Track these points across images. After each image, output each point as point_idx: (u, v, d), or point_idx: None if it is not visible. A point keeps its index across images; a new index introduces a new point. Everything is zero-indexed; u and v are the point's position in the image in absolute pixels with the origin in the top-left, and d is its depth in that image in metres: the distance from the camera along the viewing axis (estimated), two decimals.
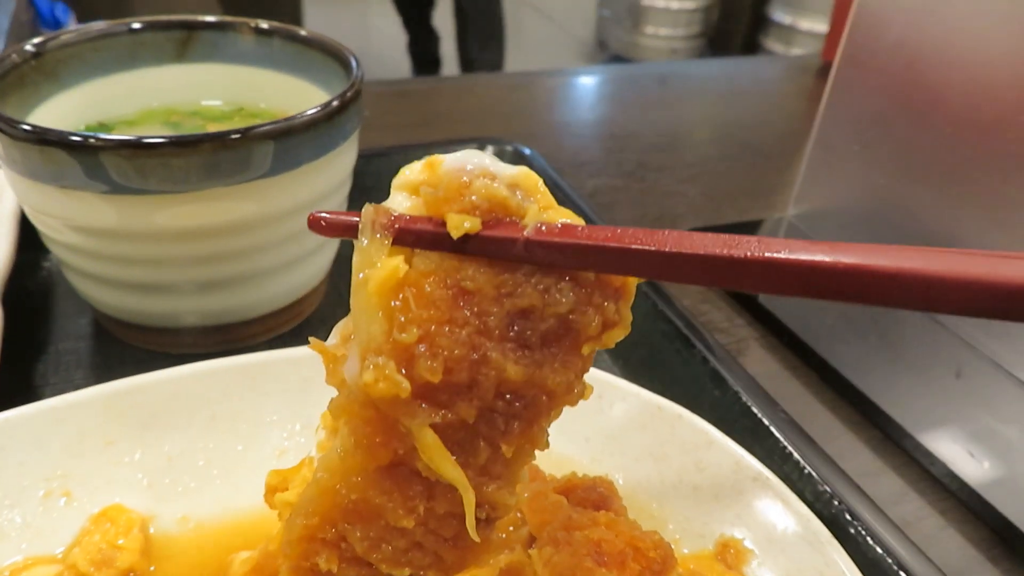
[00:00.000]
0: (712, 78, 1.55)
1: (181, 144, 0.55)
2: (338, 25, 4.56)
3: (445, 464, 0.33)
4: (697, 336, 0.68)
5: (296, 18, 2.61)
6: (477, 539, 0.36)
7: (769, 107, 1.42)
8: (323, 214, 0.35)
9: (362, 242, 0.33)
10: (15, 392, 0.62)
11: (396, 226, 0.33)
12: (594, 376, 0.59)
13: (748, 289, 0.30)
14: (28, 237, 0.72)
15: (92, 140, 0.54)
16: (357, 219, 0.34)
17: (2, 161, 0.59)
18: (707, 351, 0.67)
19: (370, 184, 0.91)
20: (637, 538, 0.44)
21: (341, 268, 0.77)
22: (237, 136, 0.56)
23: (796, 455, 0.57)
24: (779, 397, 0.64)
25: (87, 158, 0.55)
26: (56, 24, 1.71)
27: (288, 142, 0.59)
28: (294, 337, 0.71)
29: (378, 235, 0.33)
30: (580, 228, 0.33)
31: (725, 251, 0.29)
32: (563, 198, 0.88)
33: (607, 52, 4.78)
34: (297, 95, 0.74)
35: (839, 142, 0.91)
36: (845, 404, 0.73)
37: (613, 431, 0.57)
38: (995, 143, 0.75)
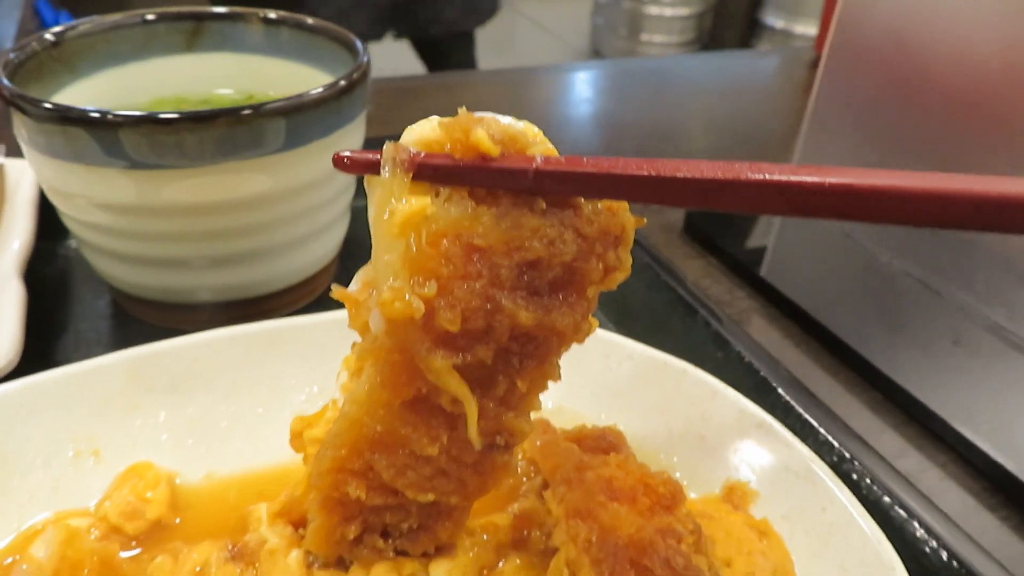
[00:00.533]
0: (708, 72, 1.58)
1: (195, 120, 0.57)
2: None
3: (451, 382, 0.35)
4: (699, 303, 0.70)
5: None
6: (478, 445, 0.37)
7: (764, 100, 1.44)
8: (346, 153, 0.37)
9: (384, 174, 0.35)
10: (39, 368, 0.63)
11: (416, 161, 0.35)
12: (600, 336, 0.61)
13: (741, 209, 0.32)
14: (46, 225, 0.74)
15: (111, 117, 0.57)
16: (379, 157, 0.36)
17: (24, 143, 0.62)
18: (710, 316, 0.69)
19: None
20: (647, 475, 0.46)
21: (351, 249, 0.79)
22: (249, 112, 0.59)
23: (799, 408, 0.59)
24: (783, 360, 0.65)
25: (106, 134, 0.57)
26: None
27: (299, 119, 0.61)
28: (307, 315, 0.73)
29: (399, 169, 0.35)
30: (584, 159, 0.35)
31: (719, 174, 0.31)
32: None
33: (602, 60, 4.82)
34: (306, 82, 0.76)
35: (832, 124, 0.93)
36: (845, 368, 0.75)
37: (620, 388, 0.59)
38: (981, 120, 0.77)
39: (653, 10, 4.44)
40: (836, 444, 0.55)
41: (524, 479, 0.54)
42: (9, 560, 0.45)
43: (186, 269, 0.65)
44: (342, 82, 0.64)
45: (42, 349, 0.66)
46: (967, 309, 0.80)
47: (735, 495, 0.51)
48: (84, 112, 0.57)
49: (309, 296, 0.74)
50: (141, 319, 0.70)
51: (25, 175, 0.77)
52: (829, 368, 0.75)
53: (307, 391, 0.59)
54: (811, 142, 0.95)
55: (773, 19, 4.18)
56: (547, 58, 5.15)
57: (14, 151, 0.85)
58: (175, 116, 0.57)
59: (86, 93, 0.72)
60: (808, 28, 3.97)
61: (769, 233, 0.94)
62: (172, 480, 0.51)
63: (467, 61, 2.46)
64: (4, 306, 0.61)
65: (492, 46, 4.92)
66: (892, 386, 0.72)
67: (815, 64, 1.53)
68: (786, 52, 2.14)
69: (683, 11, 4.46)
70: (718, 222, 0.94)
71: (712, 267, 0.89)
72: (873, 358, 0.74)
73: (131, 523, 0.48)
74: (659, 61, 2.36)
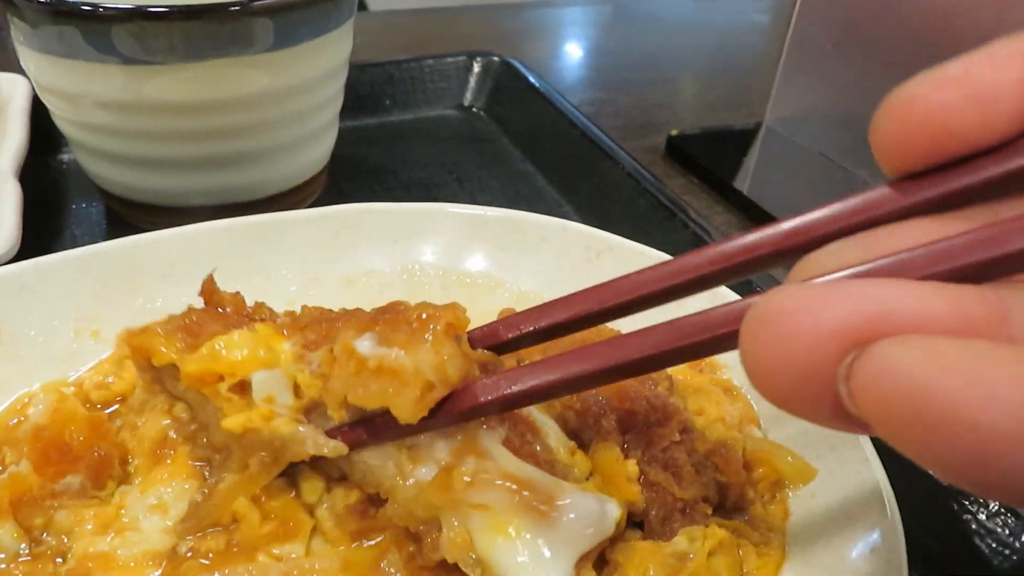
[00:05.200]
0: (689, 6, 1.59)
1: (185, 15, 0.59)
2: None
3: None
4: (679, 209, 0.73)
5: None
6: None
7: (746, 23, 1.46)
8: None
9: None
10: None
11: None
12: (580, 229, 0.63)
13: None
14: (40, 138, 0.75)
15: (101, 10, 0.58)
16: None
17: (19, 44, 0.63)
18: (688, 220, 0.71)
19: (364, 93, 0.95)
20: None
21: (339, 163, 0.81)
22: (236, 8, 0.60)
23: None
24: None
25: (97, 28, 0.58)
26: None
27: (286, 17, 0.63)
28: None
29: None
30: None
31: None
32: (551, 103, 0.91)
33: None
34: None
35: (812, 44, 0.94)
36: None
37: (599, 278, 0.61)
38: (960, 35, 0.79)
39: None
40: None
41: None
42: (14, 421, 0.47)
43: (178, 170, 0.67)
44: None
45: (38, 248, 0.68)
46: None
47: (702, 363, 0.54)
48: (76, 6, 0.58)
49: (299, 204, 0.76)
50: (135, 224, 0.72)
51: (18, 88, 0.78)
52: None
53: (298, 281, 0.61)
54: (792, 64, 0.97)
55: None
56: None
57: (6, 66, 0.86)
58: (164, 10, 0.58)
59: None
60: None
61: (749, 155, 0.96)
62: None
63: None
64: (2, 202, 0.62)
65: None
66: None
67: None
68: None
69: None
70: (700, 145, 0.96)
71: (693, 185, 0.91)
72: None
73: (98, 392, 0.50)
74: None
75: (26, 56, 0.64)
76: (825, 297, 0.21)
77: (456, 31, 1.34)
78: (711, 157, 0.93)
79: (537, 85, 0.95)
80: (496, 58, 1.00)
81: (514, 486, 0.36)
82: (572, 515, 0.36)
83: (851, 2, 0.88)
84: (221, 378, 0.39)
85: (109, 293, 0.55)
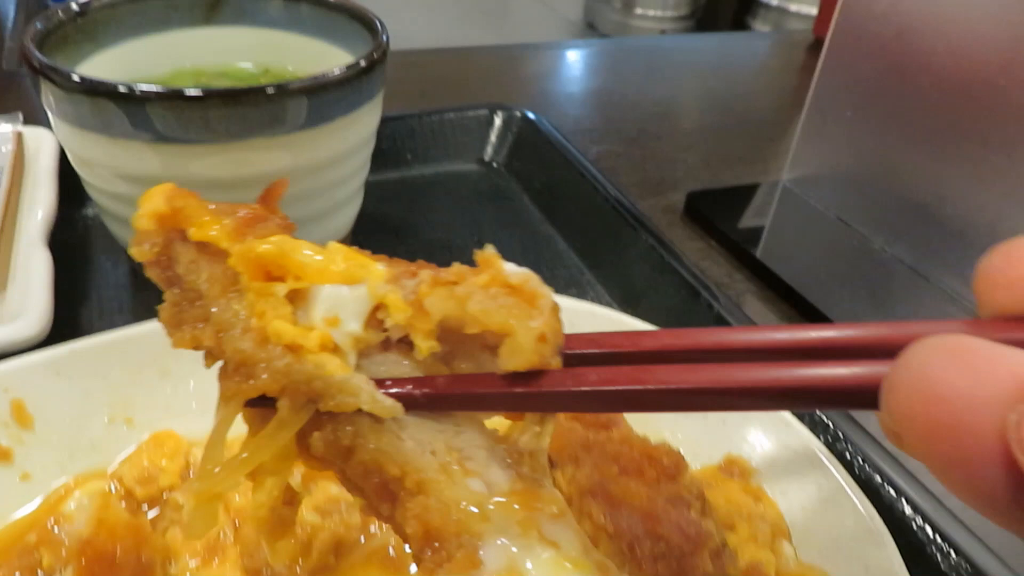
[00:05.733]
0: (704, 51, 1.60)
1: (221, 97, 0.59)
2: None
3: None
4: (701, 285, 0.73)
5: None
6: None
7: (761, 80, 1.47)
8: None
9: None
10: (66, 336, 0.65)
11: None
12: (601, 314, 0.63)
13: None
14: (66, 191, 0.75)
15: (139, 92, 0.58)
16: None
17: (52, 112, 0.63)
18: (711, 298, 0.72)
19: (386, 147, 0.95)
20: (649, 447, 0.48)
21: (362, 219, 0.81)
22: (273, 91, 0.60)
23: None
24: None
25: (133, 108, 0.59)
26: None
27: (321, 98, 0.63)
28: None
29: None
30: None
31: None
32: (571, 161, 0.92)
33: (595, 32, 4.80)
34: (323, 58, 0.78)
35: (832, 108, 0.95)
36: None
37: None
38: (977, 107, 0.79)
39: None
40: (831, 424, 0.59)
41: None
42: (51, 521, 0.47)
43: None
44: (363, 62, 0.66)
45: (69, 314, 0.68)
46: (955, 296, 0.83)
47: (734, 468, 0.54)
48: (113, 86, 0.58)
49: None
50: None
51: (44, 142, 0.78)
52: None
53: None
54: (811, 126, 0.98)
55: None
56: (540, 29, 5.12)
57: (31, 119, 0.86)
58: (201, 93, 0.58)
59: (108, 63, 0.73)
60: (803, 7, 3.96)
61: (766, 215, 0.97)
62: (189, 451, 0.53)
63: None
64: (33, 275, 0.62)
65: (484, 16, 4.90)
66: None
67: (812, 47, 1.56)
68: (782, 35, 2.16)
69: None
70: (717, 204, 0.96)
71: (712, 249, 0.91)
72: None
73: (144, 487, 0.50)
74: (656, 40, 2.38)
75: (58, 125, 0.64)
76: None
77: (467, 73, 1.34)
78: (728, 220, 0.94)
79: (556, 141, 0.96)
80: (517, 112, 1.00)
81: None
82: None
83: (872, 70, 0.89)
84: (277, 279, 0.33)
85: (143, 378, 0.56)
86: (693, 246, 0.91)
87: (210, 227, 0.34)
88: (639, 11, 4.56)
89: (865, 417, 0.70)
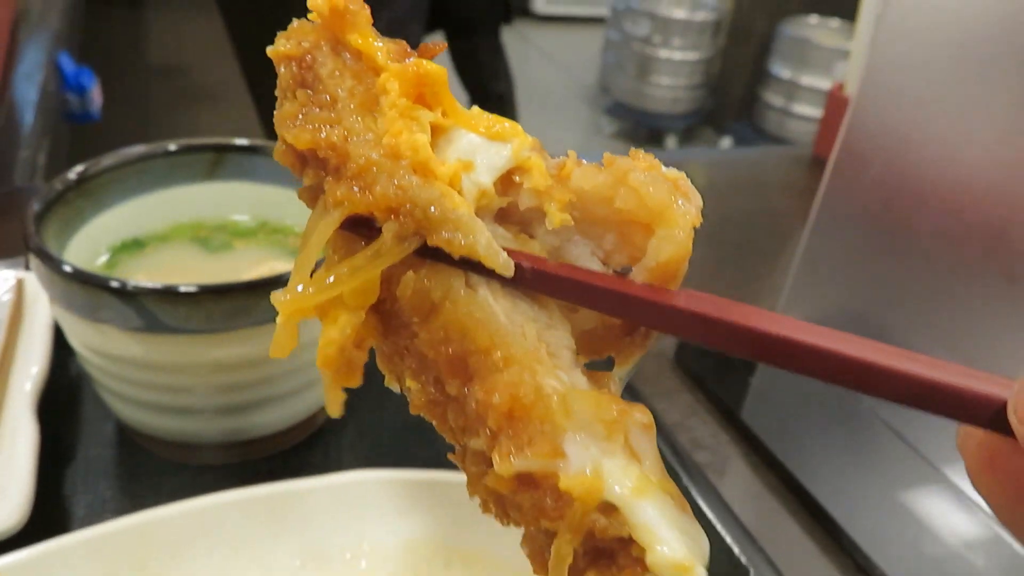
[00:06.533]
0: (703, 168, 1.61)
1: (214, 292, 0.60)
2: None
3: None
4: (682, 467, 0.73)
5: None
6: None
7: (756, 202, 1.48)
8: None
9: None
10: (46, 501, 0.66)
11: None
12: None
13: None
14: (57, 343, 0.76)
15: (131, 286, 0.59)
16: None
17: (46, 289, 0.64)
18: (690, 483, 0.72)
19: None
20: None
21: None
22: (266, 285, 0.62)
23: None
24: (757, 519, 0.69)
25: (125, 300, 0.60)
26: (80, 89, 1.77)
27: None
28: (308, 448, 0.75)
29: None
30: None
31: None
32: None
33: (610, 97, 4.86)
34: None
35: (824, 263, 0.96)
36: (820, 529, 0.78)
37: None
38: (984, 244, 0.78)
39: (663, 53, 4.49)
40: None
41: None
42: None
43: (192, 415, 0.68)
44: None
45: (51, 477, 0.69)
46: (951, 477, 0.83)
47: None
48: (105, 280, 0.60)
49: (311, 428, 0.77)
50: (146, 449, 0.73)
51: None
52: (805, 526, 0.78)
53: (309, 563, 0.61)
54: (802, 277, 0.98)
55: (780, 69, 4.23)
56: (555, 92, 5.20)
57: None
58: (195, 290, 0.60)
59: (109, 224, 0.75)
60: (816, 80, 4.01)
61: (752, 367, 0.97)
62: None
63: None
64: (18, 452, 0.63)
65: None
66: (862, 555, 0.74)
67: (813, 164, 1.57)
68: (783, 150, 2.18)
69: (692, 55, 4.51)
70: (706, 357, 0.97)
71: (699, 404, 0.92)
72: (850, 527, 0.76)
73: None
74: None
75: (52, 305, 0.65)
76: None
77: None
78: (716, 374, 0.94)
79: None
80: None
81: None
82: None
83: (869, 218, 0.89)
84: (425, 108, 0.32)
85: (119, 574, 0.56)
86: (681, 399, 0.92)
87: (374, 39, 0.32)
88: (653, 79, 4.63)
89: None
